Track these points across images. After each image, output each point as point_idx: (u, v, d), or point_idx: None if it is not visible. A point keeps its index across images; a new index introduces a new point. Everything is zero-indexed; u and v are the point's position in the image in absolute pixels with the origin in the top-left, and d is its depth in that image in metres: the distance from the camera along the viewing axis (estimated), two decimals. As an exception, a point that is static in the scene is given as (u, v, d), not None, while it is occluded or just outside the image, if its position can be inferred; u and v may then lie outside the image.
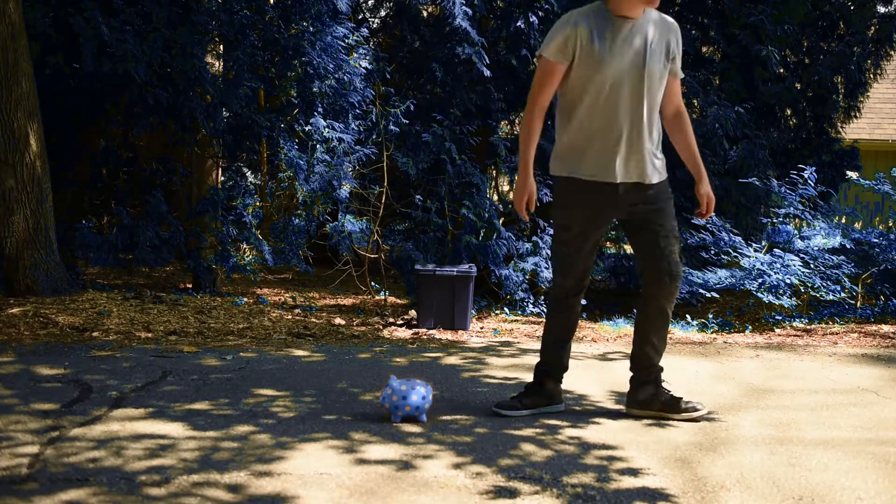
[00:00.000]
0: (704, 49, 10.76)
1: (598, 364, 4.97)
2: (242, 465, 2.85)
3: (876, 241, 7.77)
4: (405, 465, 2.90)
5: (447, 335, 6.22)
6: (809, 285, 7.23)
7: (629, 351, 5.48)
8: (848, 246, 7.67)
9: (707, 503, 2.64)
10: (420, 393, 3.42)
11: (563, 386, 4.30)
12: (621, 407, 3.83)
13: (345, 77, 7.65)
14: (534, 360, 5.00)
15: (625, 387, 4.28)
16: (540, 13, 8.55)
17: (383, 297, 8.33)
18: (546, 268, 8.04)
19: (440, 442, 3.20)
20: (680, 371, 4.79)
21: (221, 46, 8.07)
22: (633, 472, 2.90)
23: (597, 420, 3.60)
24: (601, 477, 2.84)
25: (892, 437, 3.44)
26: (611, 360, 5.14)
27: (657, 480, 2.82)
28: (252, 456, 2.95)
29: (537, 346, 5.68)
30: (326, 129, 7.59)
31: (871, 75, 10.32)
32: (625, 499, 2.65)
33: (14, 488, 2.59)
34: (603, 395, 4.11)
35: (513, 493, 2.66)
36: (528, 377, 4.46)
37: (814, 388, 4.38)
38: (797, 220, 8.24)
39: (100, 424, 3.29)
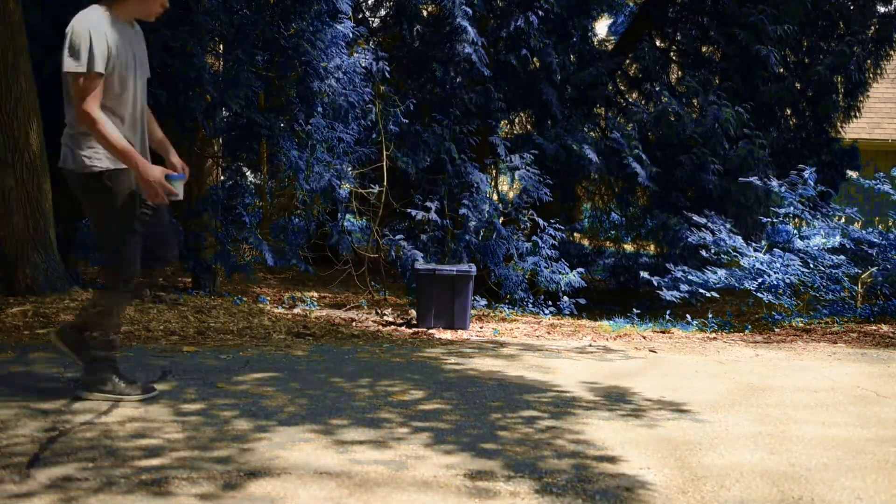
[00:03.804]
0: (704, 49, 10.78)
1: (596, 364, 4.97)
2: (239, 465, 2.85)
3: (875, 240, 7.78)
4: (403, 465, 2.90)
5: (447, 334, 6.21)
6: (809, 285, 7.23)
7: (628, 351, 5.50)
8: (848, 246, 7.67)
9: (707, 503, 2.63)
10: None
11: (562, 384, 4.31)
12: (619, 407, 3.83)
13: (344, 77, 7.64)
14: (533, 359, 5.00)
15: (623, 387, 4.29)
16: (540, 13, 8.56)
17: (383, 297, 8.33)
18: (546, 267, 8.04)
19: (439, 442, 3.20)
20: (680, 370, 4.79)
21: (221, 46, 8.06)
22: (632, 472, 2.90)
23: (594, 419, 3.60)
24: (599, 477, 2.84)
25: (892, 436, 3.44)
26: (609, 360, 5.14)
27: (656, 480, 2.82)
28: (249, 455, 2.95)
29: (537, 344, 5.68)
30: (326, 129, 7.58)
31: (871, 75, 10.34)
32: (624, 499, 2.65)
33: (13, 488, 2.60)
34: (600, 394, 4.11)
35: (512, 493, 2.66)
36: (528, 375, 4.47)
37: (813, 387, 4.38)
38: (797, 219, 8.25)
39: (98, 424, 3.29)
